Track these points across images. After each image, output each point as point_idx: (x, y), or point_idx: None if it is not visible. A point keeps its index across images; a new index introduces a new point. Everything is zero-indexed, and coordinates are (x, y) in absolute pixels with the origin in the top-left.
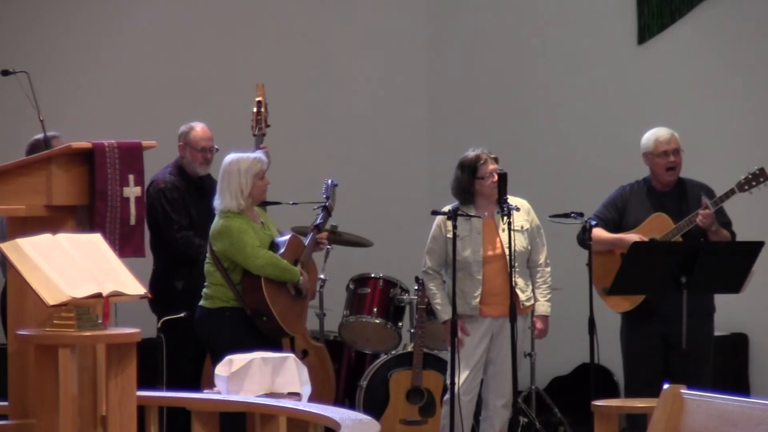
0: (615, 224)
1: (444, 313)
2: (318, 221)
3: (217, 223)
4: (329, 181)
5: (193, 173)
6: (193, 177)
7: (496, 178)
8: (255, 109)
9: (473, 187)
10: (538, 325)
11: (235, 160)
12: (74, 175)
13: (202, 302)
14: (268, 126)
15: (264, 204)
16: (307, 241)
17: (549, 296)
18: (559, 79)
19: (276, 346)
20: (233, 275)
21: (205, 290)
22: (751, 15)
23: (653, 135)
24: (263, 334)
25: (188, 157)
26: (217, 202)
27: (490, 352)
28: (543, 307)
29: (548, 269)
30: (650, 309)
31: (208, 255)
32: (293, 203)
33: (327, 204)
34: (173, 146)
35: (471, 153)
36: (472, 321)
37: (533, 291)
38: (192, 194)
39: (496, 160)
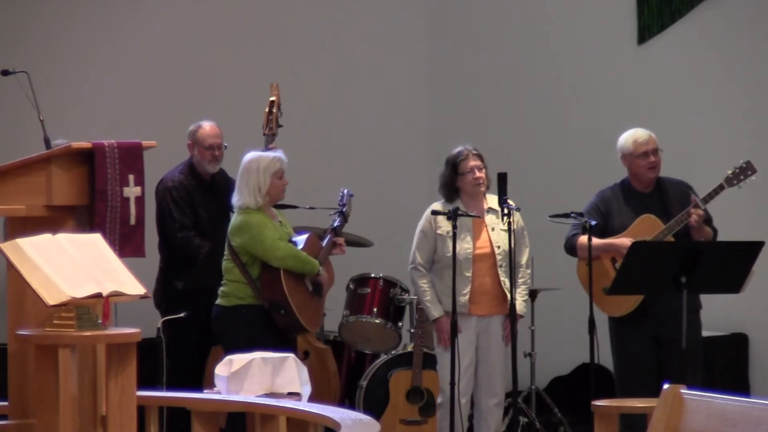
0: (599, 229)
1: (435, 310)
2: (335, 224)
3: (236, 218)
4: (345, 190)
5: (203, 171)
6: (204, 176)
7: (476, 174)
8: (267, 109)
9: (456, 184)
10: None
11: (255, 158)
12: (74, 175)
13: (218, 301)
14: (280, 126)
15: (279, 207)
16: (324, 242)
17: (526, 297)
18: (559, 79)
19: (291, 344)
20: (251, 270)
21: (221, 288)
22: (750, 15)
23: (631, 136)
24: (280, 331)
25: (197, 155)
26: (235, 199)
27: (478, 352)
28: (519, 306)
29: (528, 271)
30: (643, 309)
31: (226, 252)
32: (310, 207)
33: (344, 210)
34: (176, 146)
35: (455, 149)
36: (462, 319)
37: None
38: (202, 194)
39: (479, 156)
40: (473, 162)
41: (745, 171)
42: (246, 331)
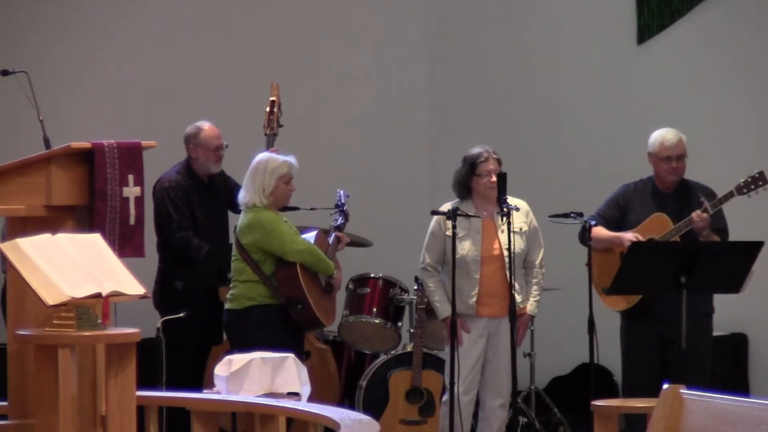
0: (616, 222)
1: (443, 310)
2: (338, 223)
3: (245, 217)
4: (342, 191)
5: (204, 173)
6: (202, 176)
7: (493, 178)
8: (268, 109)
9: (471, 183)
10: (521, 325)
11: (265, 159)
12: (74, 175)
13: (227, 305)
14: (281, 126)
15: (281, 209)
16: (330, 239)
17: (538, 297)
18: (559, 79)
19: (301, 343)
20: (264, 267)
21: (231, 292)
22: (750, 15)
23: (660, 137)
24: (294, 328)
25: (201, 158)
26: (242, 195)
27: (487, 352)
28: (531, 306)
29: (543, 271)
30: (646, 308)
31: (234, 252)
32: (311, 209)
33: (344, 209)
34: (175, 146)
35: (475, 149)
36: (469, 320)
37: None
38: (199, 194)
39: (499, 161)
40: (492, 166)
41: (757, 181)
42: (260, 332)
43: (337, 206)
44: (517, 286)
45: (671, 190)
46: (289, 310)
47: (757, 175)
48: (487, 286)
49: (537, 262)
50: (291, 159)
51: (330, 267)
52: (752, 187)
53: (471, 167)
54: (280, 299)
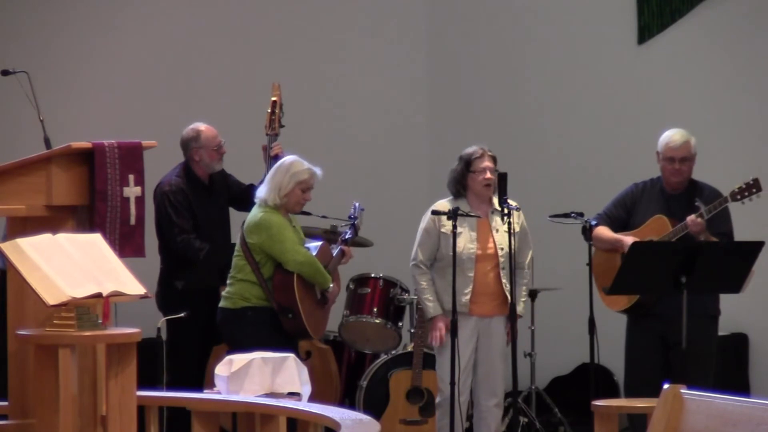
0: (622, 222)
1: (433, 309)
2: (346, 236)
3: (255, 215)
4: (357, 204)
5: (205, 173)
6: (203, 178)
7: (488, 175)
8: (269, 109)
9: (466, 181)
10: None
11: (291, 161)
12: (74, 175)
13: (222, 303)
14: (282, 126)
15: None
16: (335, 252)
17: (526, 298)
18: (559, 79)
19: (295, 346)
20: (263, 270)
21: (227, 289)
22: (750, 15)
23: (668, 137)
24: (285, 333)
25: (205, 159)
26: (259, 189)
27: (478, 352)
28: (520, 307)
29: (530, 272)
30: (649, 309)
31: (237, 248)
32: (323, 216)
33: (355, 222)
34: (176, 146)
35: (471, 147)
36: (461, 319)
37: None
38: (200, 196)
39: (494, 159)
40: (487, 163)
41: (751, 188)
42: (253, 334)
43: (349, 218)
44: (509, 286)
45: (678, 191)
46: (279, 317)
47: (751, 182)
48: (481, 284)
49: (526, 263)
50: (316, 169)
51: (327, 280)
52: (746, 194)
53: (466, 164)
54: (274, 303)
